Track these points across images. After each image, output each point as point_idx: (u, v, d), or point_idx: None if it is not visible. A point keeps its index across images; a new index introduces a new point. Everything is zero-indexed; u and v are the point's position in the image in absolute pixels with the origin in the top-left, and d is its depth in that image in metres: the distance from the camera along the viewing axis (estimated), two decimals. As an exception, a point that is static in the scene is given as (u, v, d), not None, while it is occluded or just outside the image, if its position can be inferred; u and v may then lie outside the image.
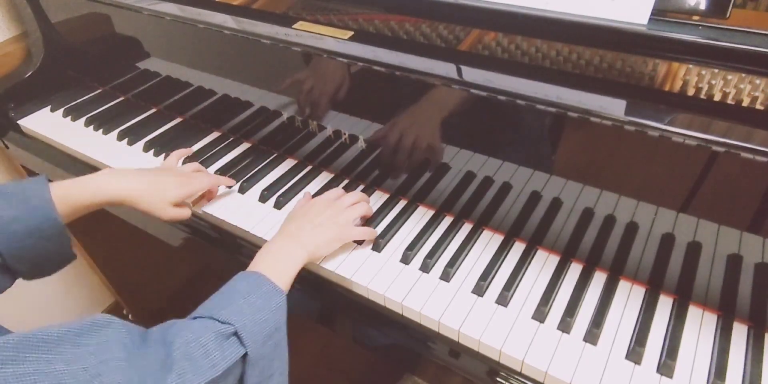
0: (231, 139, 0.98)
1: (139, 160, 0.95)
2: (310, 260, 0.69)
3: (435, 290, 0.69)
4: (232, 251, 0.83)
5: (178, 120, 1.04)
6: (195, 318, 0.55)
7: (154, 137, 1.00)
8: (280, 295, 0.60)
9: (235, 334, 0.53)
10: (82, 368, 0.42)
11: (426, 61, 0.68)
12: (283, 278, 0.63)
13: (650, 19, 0.57)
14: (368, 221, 0.78)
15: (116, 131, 1.01)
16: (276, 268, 0.63)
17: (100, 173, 0.71)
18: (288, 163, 0.92)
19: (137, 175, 0.73)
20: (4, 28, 1.12)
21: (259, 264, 0.64)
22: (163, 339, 0.50)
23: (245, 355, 0.53)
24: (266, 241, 0.77)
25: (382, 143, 0.79)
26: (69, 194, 0.66)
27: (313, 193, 0.85)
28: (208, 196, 0.84)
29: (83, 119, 1.05)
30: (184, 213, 0.76)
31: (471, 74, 0.65)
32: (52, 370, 0.41)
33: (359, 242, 0.75)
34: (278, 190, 0.85)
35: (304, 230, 0.70)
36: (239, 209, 0.83)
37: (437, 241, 0.75)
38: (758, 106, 0.54)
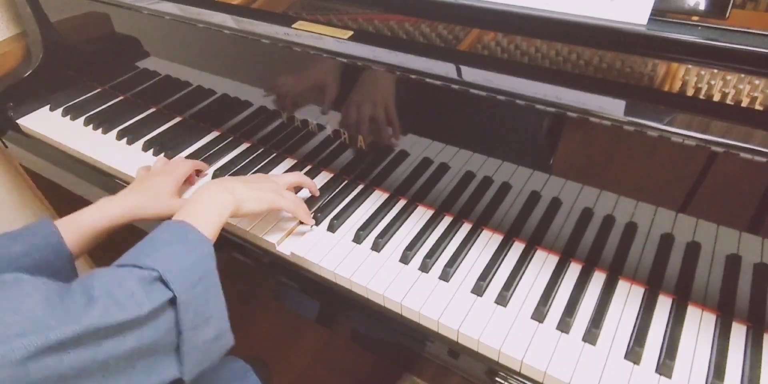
0: (230, 138, 0.98)
1: (139, 160, 0.95)
2: (235, 212, 0.68)
3: (434, 290, 0.69)
4: (231, 250, 0.83)
5: (177, 119, 1.04)
6: (118, 267, 0.54)
7: (154, 136, 1.00)
8: (205, 244, 0.59)
9: (160, 279, 0.52)
10: None
11: (425, 60, 0.68)
12: (210, 225, 0.63)
13: (650, 19, 0.57)
14: (367, 221, 0.78)
15: (115, 130, 1.01)
16: (203, 214, 0.63)
17: (95, 203, 0.73)
18: (287, 163, 0.92)
19: (127, 191, 0.76)
20: (4, 28, 1.12)
21: (185, 209, 0.64)
22: (84, 286, 0.49)
23: (174, 299, 0.52)
24: (264, 240, 0.77)
25: (378, 141, 0.79)
26: (73, 224, 0.68)
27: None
28: (190, 180, 0.87)
29: (82, 118, 1.05)
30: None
31: (470, 74, 0.65)
32: None
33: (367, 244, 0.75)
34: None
35: (236, 182, 0.72)
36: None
37: (436, 241, 0.75)
38: (757, 107, 0.54)
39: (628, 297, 0.67)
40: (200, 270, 0.56)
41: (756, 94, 0.54)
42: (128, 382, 0.48)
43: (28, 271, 0.58)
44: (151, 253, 0.55)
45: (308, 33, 0.76)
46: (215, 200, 0.67)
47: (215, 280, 0.58)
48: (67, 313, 0.45)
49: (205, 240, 0.60)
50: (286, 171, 0.90)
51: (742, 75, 0.54)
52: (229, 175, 0.88)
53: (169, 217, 0.72)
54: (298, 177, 0.81)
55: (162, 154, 0.95)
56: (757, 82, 0.54)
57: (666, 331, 0.63)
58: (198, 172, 0.90)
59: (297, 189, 0.85)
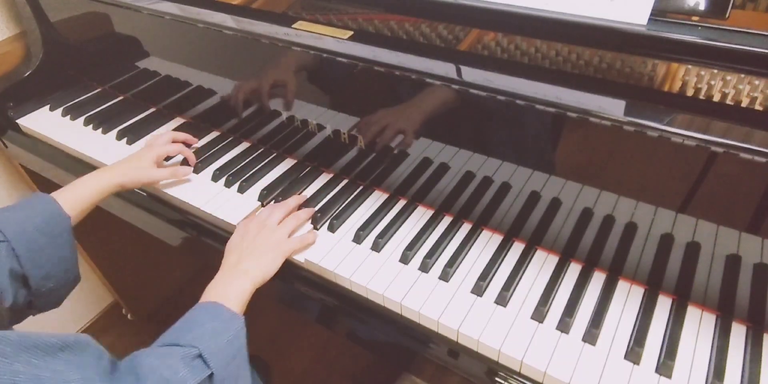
0: (230, 138, 0.98)
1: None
2: (258, 284, 0.69)
3: (434, 290, 0.69)
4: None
5: (177, 119, 1.04)
6: (159, 346, 0.56)
7: (154, 137, 1.00)
8: (239, 320, 0.62)
9: (200, 356, 0.55)
10: (64, 381, 0.43)
11: (425, 61, 0.68)
12: (236, 306, 0.64)
13: (650, 19, 0.57)
14: (367, 222, 0.78)
15: (115, 130, 1.01)
16: (228, 298, 0.65)
17: (90, 173, 0.80)
18: (287, 163, 0.92)
19: (112, 164, 0.84)
20: (3, 27, 1.12)
21: (212, 294, 0.66)
22: (131, 367, 0.52)
23: (211, 375, 0.54)
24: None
25: (379, 141, 0.79)
26: (65, 195, 0.74)
27: (312, 193, 0.85)
28: (188, 156, 0.91)
29: (82, 118, 1.05)
30: (173, 169, 0.86)
31: (470, 74, 0.65)
32: (39, 375, 0.42)
33: (361, 244, 0.75)
34: (277, 190, 0.85)
35: (244, 259, 0.71)
36: (253, 216, 0.83)
37: (436, 241, 0.75)
38: (757, 107, 0.54)
39: (628, 297, 0.67)
40: (235, 347, 0.59)
41: (756, 95, 0.54)
42: None
43: (32, 235, 0.65)
44: (190, 331, 0.58)
45: (308, 33, 0.76)
46: (236, 288, 0.67)
47: (245, 356, 0.60)
48: None
49: (238, 317, 0.62)
50: (286, 171, 0.90)
51: (742, 75, 0.54)
52: (229, 175, 0.88)
53: (152, 183, 0.83)
54: (285, 208, 0.79)
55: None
56: (756, 82, 0.54)
57: (666, 331, 0.63)
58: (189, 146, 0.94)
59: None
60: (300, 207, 0.81)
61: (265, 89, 0.86)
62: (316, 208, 0.81)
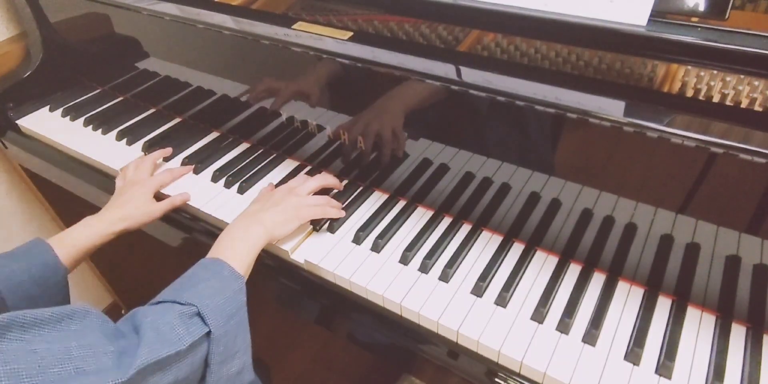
0: (230, 139, 0.98)
1: (138, 160, 0.95)
2: (269, 239, 0.71)
3: (434, 291, 0.69)
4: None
5: (177, 120, 1.04)
6: (158, 303, 0.57)
7: (153, 137, 1.00)
8: (239, 280, 0.62)
9: (198, 314, 0.55)
10: (63, 348, 0.44)
11: (425, 61, 0.68)
12: (244, 260, 0.65)
13: (649, 20, 0.57)
14: (367, 222, 0.78)
15: (115, 131, 1.01)
16: (236, 251, 0.66)
17: (81, 222, 0.76)
18: (287, 164, 0.92)
19: (108, 207, 0.80)
20: (3, 28, 1.12)
21: (220, 247, 0.67)
22: (131, 325, 0.53)
23: (209, 333, 0.55)
24: (273, 246, 0.76)
25: (378, 142, 0.79)
26: (64, 242, 0.71)
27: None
28: (180, 174, 0.89)
29: (82, 119, 1.05)
30: (170, 200, 0.82)
31: (470, 75, 0.65)
32: (33, 349, 0.43)
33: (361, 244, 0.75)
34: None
35: (264, 209, 0.74)
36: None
37: (436, 242, 0.75)
38: (757, 108, 0.54)
39: (627, 298, 0.67)
40: (234, 306, 0.59)
41: (755, 95, 0.54)
42: None
43: (27, 286, 0.64)
44: (188, 288, 0.58)
45: (308, 34, 0.76)
46: (248, 235, 0.69)
47: (245, 316, 0.61)
48: (124, 349, 0.49)
49: (239, 276, 0.63)
50: (290, 173, 0.90)
51: (742, 76, 0.54)
52: (229, 175, 0.88)
53: (153, 221, 0.79)
54: (321, 181, 0.81)
55: (137, 156, 0.95)
56: (756, 83, 0.54)
57: (666, 331, 0.63)
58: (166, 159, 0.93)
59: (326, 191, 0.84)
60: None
61: (286, 96, 0.85)
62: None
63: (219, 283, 0.60)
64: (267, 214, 0.72)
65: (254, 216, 0.72)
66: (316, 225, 0.79)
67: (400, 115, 0.75)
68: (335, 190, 0.84)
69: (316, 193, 0.80)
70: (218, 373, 0.56)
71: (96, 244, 0.74)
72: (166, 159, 0.94)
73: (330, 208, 0.78)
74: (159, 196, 0.85)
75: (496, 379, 0.64)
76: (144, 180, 0.84)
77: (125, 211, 0.78)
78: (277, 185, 0.85)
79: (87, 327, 0.48)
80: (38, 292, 0.66)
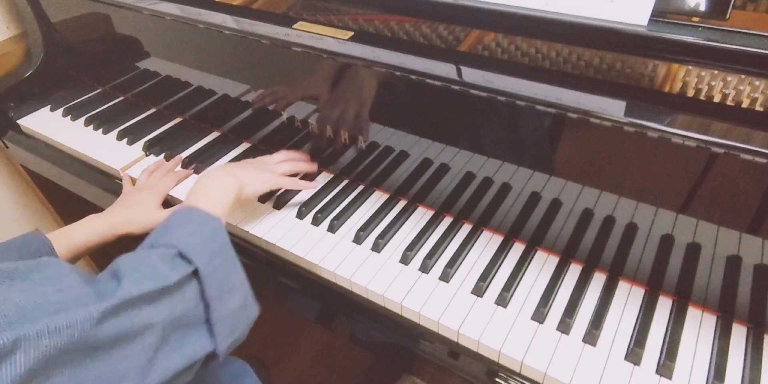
0: (231, 139, 0.98)
1: (140, 160, 0.95)
2: (239, 194, 0.71)
3: (434, 291, 0.69)
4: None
5: (177, 120, 1.04)
6: (137, 251, 0.56)
7: (154, 137, 1.00)
8: (215, 221, 0.61)
9: (179, 255, 0.54)
10: (40, 294, 0.42)
11: (426, 61, 0.68)
12: (217, 207, 0.66)
13: (650, 20, 0.57)
14: (368, 222, 0.78)
15: (116, 131, 1.01)
16: (209, 198, 0.67)
17: (83, 219, 0.75)
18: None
19: (114, 207, 0.79)
20: (4, 28, 1.12)
21: (192, 197, 0.67)
22: (111, 272, 0.51)
23: (196, 271, 0.54)
24: (274, 245, 0.77)
25: (377, 141, 0.79)
26: (63, 238, 0.71)
27: (313, 191, 0.85)
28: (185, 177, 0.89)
29: (83, 119, 1.05)
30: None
31: (471, 75, 0.65)
32: (9, 297, 0.41)
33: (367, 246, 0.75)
34: (277, 191, 0.85)
35: (237, 165, 0.77)
36: (253, 214, 0.83)
37: (437, 242, 0.75)
38: (758, 108, 0.54)
39: (628, 298, 0.67)
40: (216, 244, 0.58)
41: (756, 95, 0.54)
42: (166, 357, 0.49)
43: None
44: (165, 234, 0.58)
45: (309, 34, 0.76)
46: (221, 184, 0.70)
47: (232, 253, 0.60)
48: (104, 291, 0.47)
49: (215, 217, 0.61)
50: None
51: (743, 76, 0.54)
52: (230, 175, 0.88)
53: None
54: (293, 166, 0.83)
55: (156, 158, 0.95)
56: (757, 83, 0.54)
57: (666, 332, 0.63)
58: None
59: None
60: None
61: (288, 97, 0.85)
62: (316, 208, 0.81)
63: (196, 226, 0.59)
64: (239, 169, 0.74)
65: (227, 169, 0.74)
66: (317, 223, 0.79)
67: (400, 114, 0.75)
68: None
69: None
70: (220, 310, 0.55)
71: (96, 243, 0.74)
72: (167, 158, 0.94)
73: (300, 183, 0.81)
74: (166, 199, 0.84)
75: (497, 379, 0.64)
76: (154, 186, 0.84)
77: (131, 214, 0.77)
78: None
79: (61, 273, 0.47)
80: None
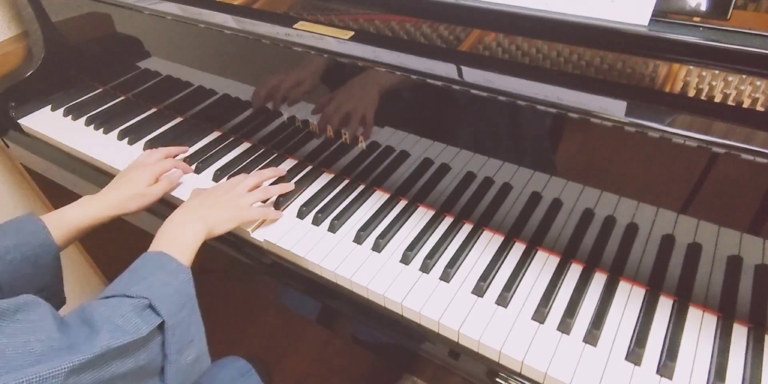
0: (231, 139, 0.98)
1: (140, 160, 0.95)
2: (208, 235, 0.71)
3: (435, 291, 0.69)
4: (232, 250, 0.83)
5: (178, 120, 1.04)
6: (107, 297, 0.57)
7: (155, 137, 1.00)
8: (185, 272, 0.62)
9: (150, 306, 0.56)
10: (23, 342, 0.45)
11: (426, 61, 0.68)
12: (185, 253, 0.66)
13: (651, 20, 0.57)
14: (368, 222, 0.78)
15: (117, 131, 1.01)
16: (178, 243, 0.66)
17: (78, 201, 0.76)
18: (288, 164, 0.92)
19: (107, 189, 0.79)
20: (5, 28, 1.12)
21: (161, 240, 0.67)
22: (83, 318, 0.53)
23: (162, 323, 0.55)
24: (275, 245, 0.77)
25: (379, 141, 0.79)
26: (59, 220, 0.72)
27: (313, 193, 0.85)
28: (184, 168, 0.89)
29: (84, 118, 1.05)
30: (166, 179, 0.83)
31: (471, 75, 0.65)
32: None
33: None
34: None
35: (204, 206, 0.74)
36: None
37: (437, 242, 0.75)
38: (759, 108, 0.54)
39: (629, 298, 0.67)
40: (183, 296, 0.60)
41: (757, 96, 0.54)
42: None
43: (17, 264, 0.63)
44: (137, 282, 0.58)
45: (309, 33, 0.76)
46: (191, 229, 0.69)
47: (195, 305, 0.61)
48: (77, 340, 0.49)
49: (184, 268, 0.63)
50: (287, 171, 0.90)
51: (744, 76, 0.54)
52: (230, 175, 0.88)
53: (150, 204, 0.79)
54: (257, 178, 0.82)
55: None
56: (758, 83, 0.54)
57: (667, 332, 0.63)
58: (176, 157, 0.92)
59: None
60: (277, 182, 0.84)
61: (288, 96, 0.85)
62: (317, 208, 0.81)
63: (167, 276, 0.60)
64: (208, 212, 0.73)
65: (195, 213, 0.72)
66: (318, 223, 0.79)
67: (400, 114, 0.75)
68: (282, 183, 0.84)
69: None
70: (176, 362, 0.56)
71: (91, 225, 0.74)
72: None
73: (270, 211, 0.80)
74: (164, 199, 0.84)
75: (497, 379, 0.64)
76: (146, 164, 0.84)
77: (123, 193, 0.78)
78: (276, 182, 0.86)
79: (43, 319, 0.49)
80: (29, 271, 0.66)
